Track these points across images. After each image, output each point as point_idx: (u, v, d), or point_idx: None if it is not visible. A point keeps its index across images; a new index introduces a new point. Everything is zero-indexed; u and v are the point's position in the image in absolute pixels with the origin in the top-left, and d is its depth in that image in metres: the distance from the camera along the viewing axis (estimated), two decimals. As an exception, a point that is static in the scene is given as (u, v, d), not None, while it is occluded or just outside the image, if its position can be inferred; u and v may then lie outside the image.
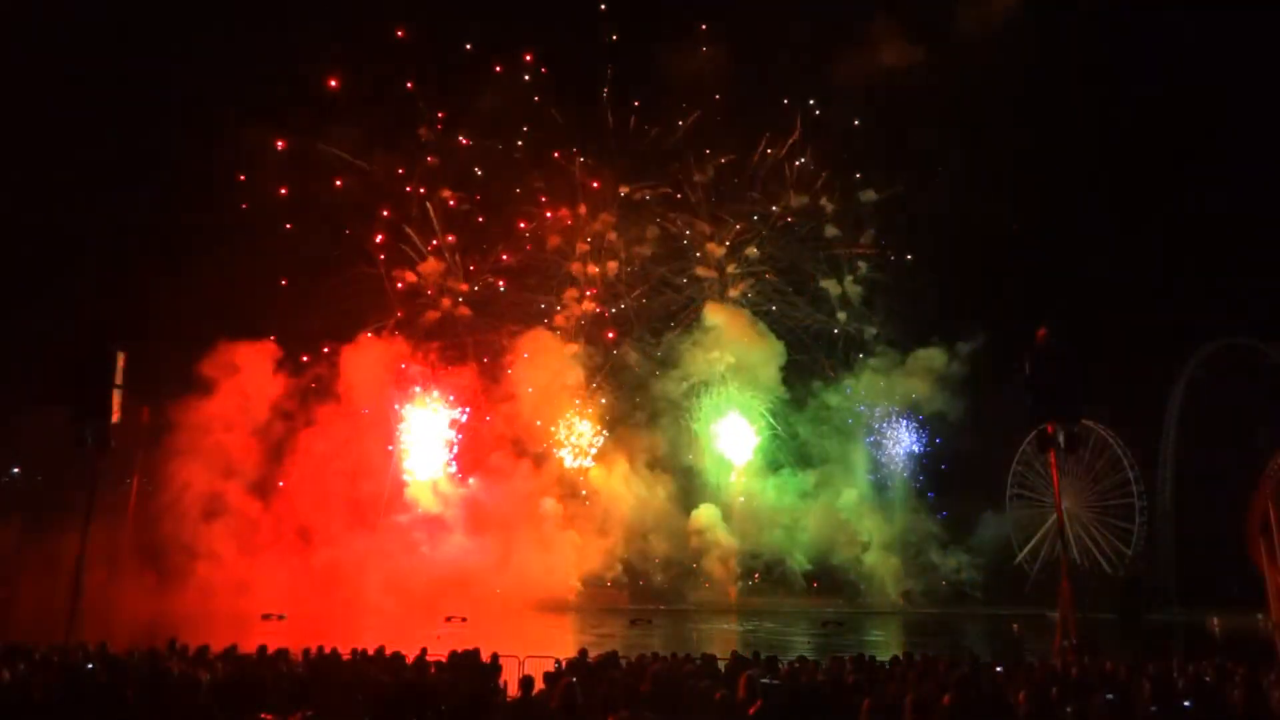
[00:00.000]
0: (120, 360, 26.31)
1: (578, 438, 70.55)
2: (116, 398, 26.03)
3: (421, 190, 72.28)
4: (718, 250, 75.21)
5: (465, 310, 72.73)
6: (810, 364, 73.95)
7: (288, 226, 68.52)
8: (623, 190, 74.49)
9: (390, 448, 68.26)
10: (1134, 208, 68.77)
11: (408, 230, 72.56)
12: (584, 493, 69.13)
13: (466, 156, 73.33)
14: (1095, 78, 68.89)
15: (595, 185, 73.44)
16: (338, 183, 70.10)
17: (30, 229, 62.01)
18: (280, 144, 68.47)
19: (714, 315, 71.63)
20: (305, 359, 67.21)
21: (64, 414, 27.04)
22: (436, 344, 70.79)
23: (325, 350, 68.25)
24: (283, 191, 68.52)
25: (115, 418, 26.15)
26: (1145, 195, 67.66)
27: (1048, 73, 69.09)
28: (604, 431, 70.92)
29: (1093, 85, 69.21)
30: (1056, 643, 24.83)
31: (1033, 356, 25.72)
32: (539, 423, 69.45)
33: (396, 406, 68.64)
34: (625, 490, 68.26)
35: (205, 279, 64.32)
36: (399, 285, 71.82)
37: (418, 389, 69.13)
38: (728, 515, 68.99)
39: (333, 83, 69.14)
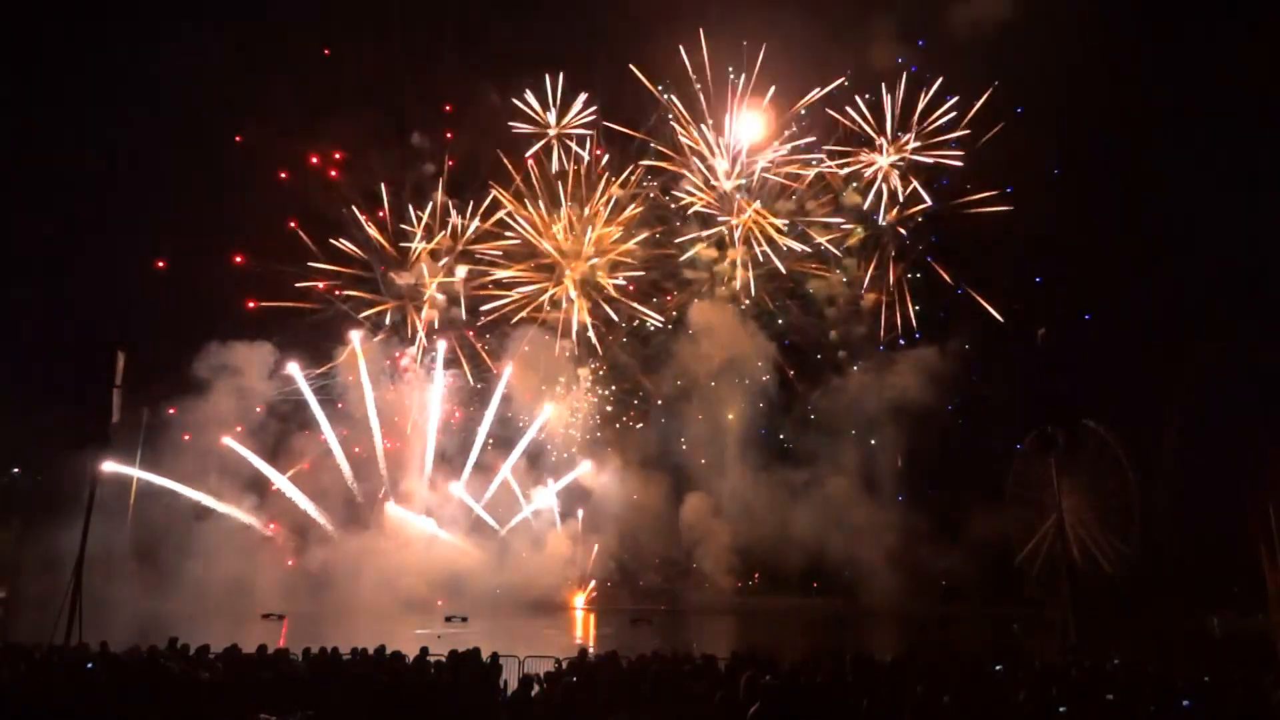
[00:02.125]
0: (120, 360, 26.29)
1: (570, 416, 70.95)
2: (116, 398, 26.02)
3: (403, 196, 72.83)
4: (708, 252, 75.56)
5: (459, 311, 73.06)
6: (800, 364, 73.87)
7: (292, 224, 69.02)
8: (616, 191, 74.88)
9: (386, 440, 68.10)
10: (1134, 202, 68.64)
11: (403, 229, 73.03)
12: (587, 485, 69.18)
13: (462, 160, 73.93)
14: (1098, 75, 68.79)
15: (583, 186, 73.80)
16: (332, 173, 70.32)
17: (30, 229, 62.10)
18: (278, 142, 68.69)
19: (702, 314, 72.02)
20: (301, 358, 67.41)
21: (64, 414, 27.05)
22: (430, 342, 71.10)
23: (320, 349, 68.66)
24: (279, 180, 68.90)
25: (115, 418, 26.14)
26: (1146, 189, 67.52)
27: (1052, 65, 69.11)
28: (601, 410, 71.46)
29: (1093, 83, 69.12)
30: (1057, 642, 24.85)
31: (1032, 356, 25.72)
32: (532, 410, 69.69)
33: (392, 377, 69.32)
34: (619, 488, 68.45)
35: (203, 279, 64.66)
36: (393, 285, 72.07)
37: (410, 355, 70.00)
38: (719, 507, 69.09)
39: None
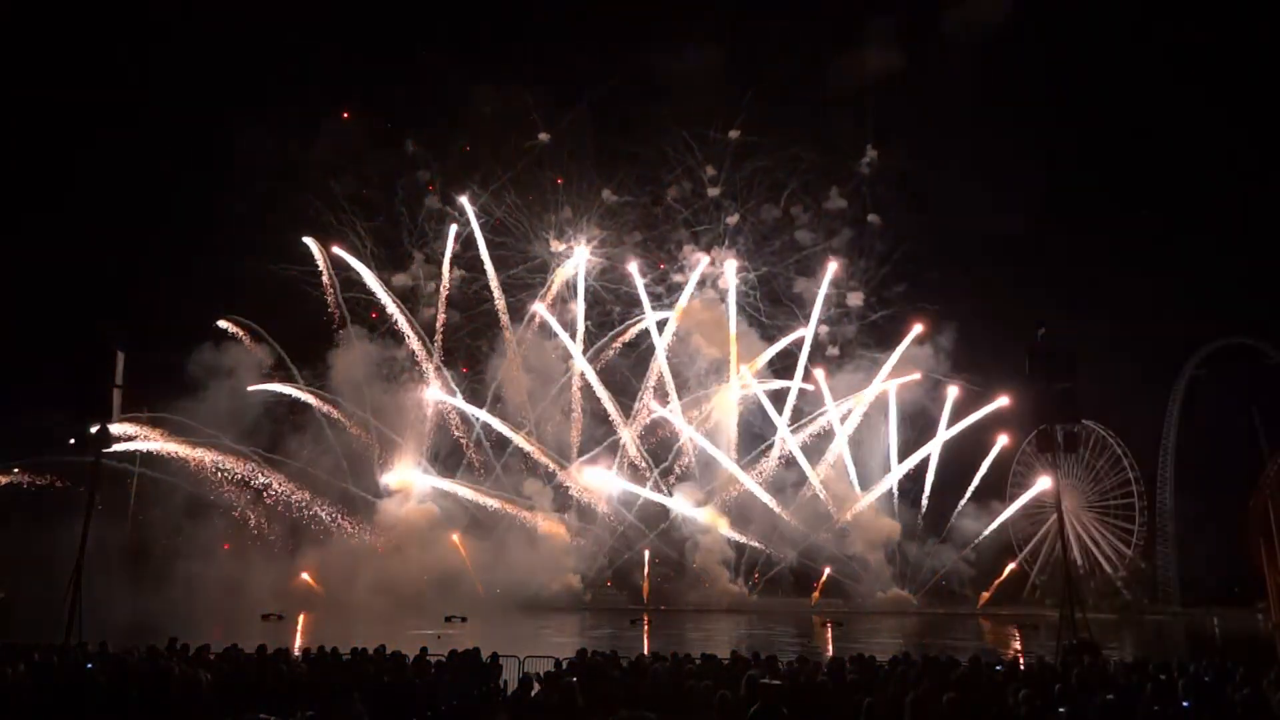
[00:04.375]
0: (120, 360, 26.27)
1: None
2: (116, 398, 25.99)
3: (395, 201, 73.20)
4: (696, 254, 75.81)
5: (455, 311, 73.25)
6: (790, 364, 73.99)
7: (308, 219, 69.54)
8: (610, 195, 75.21)
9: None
10: (1135, 203, 68.82)
11: (398, 234, 73.58)
12: (575, 491, 69.10)
13: (457, 166, 74.41)
14: (1095, 74, 69.05)
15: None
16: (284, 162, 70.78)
17: (30, 229, 62.24)
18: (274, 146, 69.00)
19: (693, 314, 72.11)
20: (297, 358, 67.63)
21: (64, 414, 27.01)
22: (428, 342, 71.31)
23: (316, 350, 68.90)
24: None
25: (115, 418, 26.11)
26: (1146, 190, 67.73)
27: (1048, 69, 69.35)
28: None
29: (1092, 82, 69.37)
30: (1056, 642, 24.82)
31: (1031, 357, 25.69)
32: (524, 416, 69.73)
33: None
34: (614, 488, 68.48)
35: (201, 280, 64.76)
36: (389, 287, 72.29)
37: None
38: (712, 500, 69.13)
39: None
